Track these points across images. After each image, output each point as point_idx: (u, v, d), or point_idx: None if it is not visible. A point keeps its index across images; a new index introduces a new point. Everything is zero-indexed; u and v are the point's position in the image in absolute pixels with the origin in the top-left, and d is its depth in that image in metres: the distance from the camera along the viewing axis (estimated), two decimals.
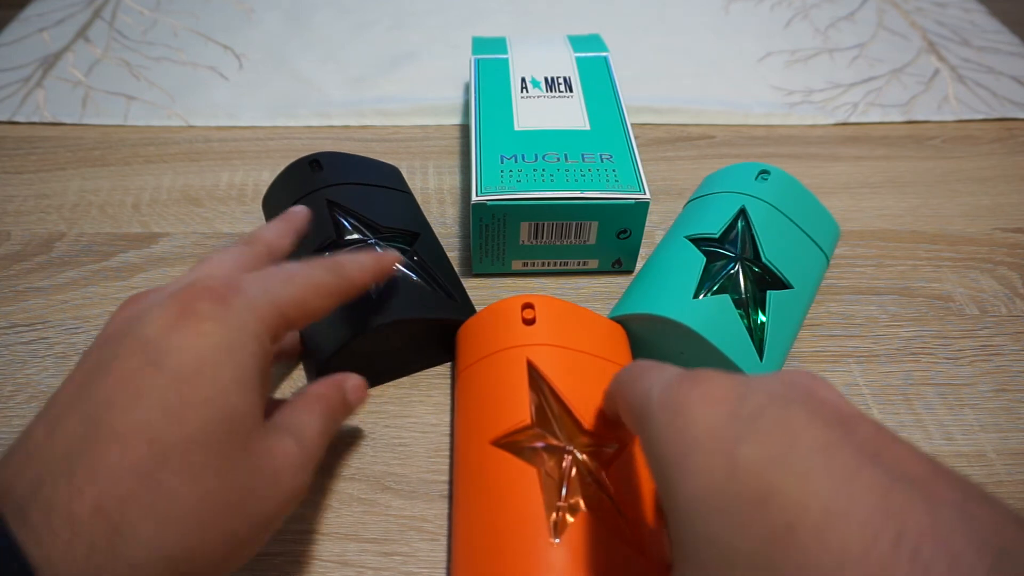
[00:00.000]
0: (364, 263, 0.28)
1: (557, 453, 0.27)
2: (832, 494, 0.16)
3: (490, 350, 0.31)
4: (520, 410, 0.28)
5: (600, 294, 0.39)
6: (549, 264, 0.39)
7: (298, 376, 0.35)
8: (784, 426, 0.18)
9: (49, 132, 0.50)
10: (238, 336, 0.22)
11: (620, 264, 0.39)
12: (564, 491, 0.26)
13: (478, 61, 0.45)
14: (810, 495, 0.16)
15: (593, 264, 0.39)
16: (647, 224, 0.38)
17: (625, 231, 0.37)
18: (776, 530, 0.16)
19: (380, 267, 0.28)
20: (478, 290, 0.39)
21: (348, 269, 0.27)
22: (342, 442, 0.32)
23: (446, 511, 0.30)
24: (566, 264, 0.39)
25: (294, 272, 0.25)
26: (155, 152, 0.49)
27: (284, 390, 0.34)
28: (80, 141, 0.49)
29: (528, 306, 0.32)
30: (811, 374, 0.20)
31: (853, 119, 0.52)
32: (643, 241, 0.38)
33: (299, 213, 0.30)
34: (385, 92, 0.54)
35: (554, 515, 0.25)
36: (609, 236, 0.37)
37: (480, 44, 0.48)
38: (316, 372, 0.32)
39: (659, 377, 0.22)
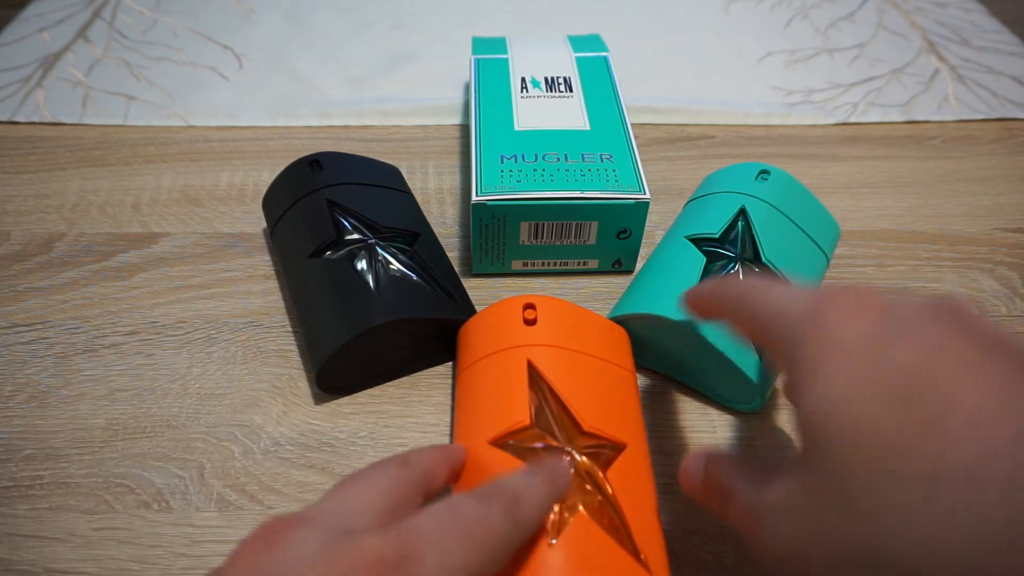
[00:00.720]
0: (542, 500, 0.23)
1: (556, 454, 0.27)
2: (985, 393, 0.17)
3: (491, 350, 0.31)
4: (520, 410, 0.28)
5: (600, 294, 0.39)
6: (549, 264, 0.39)
7: (298, 375, 0.35)
8: (936, 335, 0.18)
9: (49, 132, 0.50)
10: None
11: (620, 264, 0.39)
12: None
13: (478, 61, 0.45)
14: (963, 392, 0.17)
15: (593, 264, 0.39)
16: (647, 224, 0.38)
17: (625, 231, 0.37)
18: (927, 419, 0.17)
19: (555, 497, 0.24)
20: (478, 290, 0.39)
21: (525, 513, 0.22)
22: (342, 442, 0.32)
23: None
24: (566, 264, 0.39)
25: (472, 524, 0.20)
26: (155, 152, 0.49)
27: (285, 390, 0.34)
28: (80, 141, 0.49)
29: (529, 306, 0.32)
30: (961, 299, 0.20)
31: (853, 119, 0.52)
32: (643, 241, 0.38)
33: (456, 450, 0.27)
34: (385, 92, 0.54)
35: (552, 516, 0.25)
36: (609, 236, 0.37)
37: (480, 44, 0.48)
38: (317, 372, 0.32)
39: (791, 292, 0.22)
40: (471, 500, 0.21)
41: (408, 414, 0.34)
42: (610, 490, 0.26)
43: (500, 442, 0.27)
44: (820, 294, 0.21)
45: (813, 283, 0.22)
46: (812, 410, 0.19)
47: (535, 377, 0.29)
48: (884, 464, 0.17)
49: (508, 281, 0.40)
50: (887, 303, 0.20)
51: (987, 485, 0.15)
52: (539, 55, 0.46)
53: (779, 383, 0.33)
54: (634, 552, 0.25)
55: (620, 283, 0.39)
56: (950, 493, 0.16)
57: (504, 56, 0.46)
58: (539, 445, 0.27)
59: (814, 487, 0.19)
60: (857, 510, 0.17)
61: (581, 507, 0.25)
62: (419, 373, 0.35)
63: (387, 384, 0.35)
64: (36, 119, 0.51)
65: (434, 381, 0.35)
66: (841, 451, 0.18)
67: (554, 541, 0.24)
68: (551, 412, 0.28)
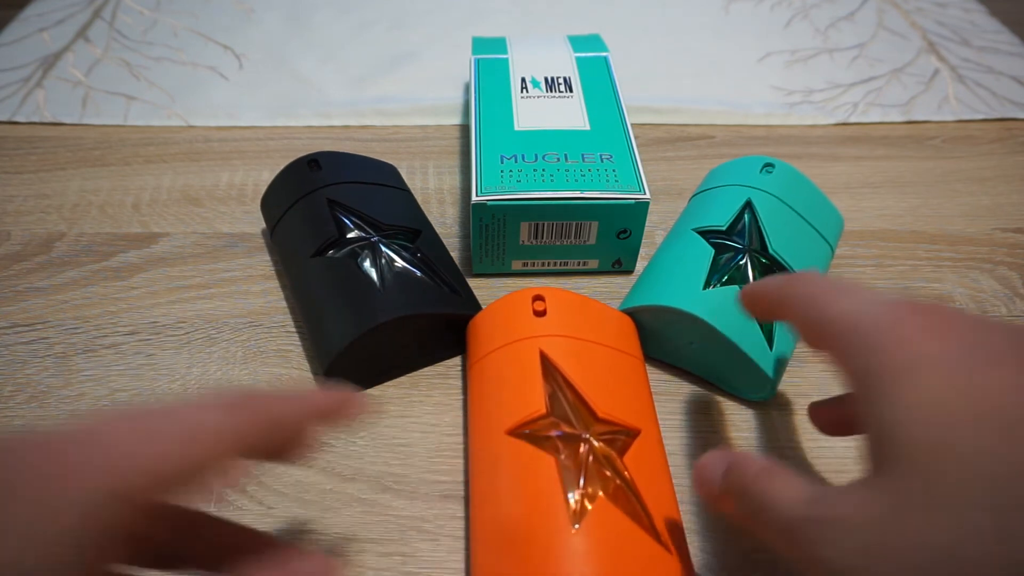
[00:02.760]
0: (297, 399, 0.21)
1: (573, 441, 0.27)
2: None
3: (503, 342, 0.31)
4: (535, 400, 0.28)
5: (600, 294, 0.39)
6: (549, 264, 0.39)
7: (298, 375, 0.35)
8: None
9: (49, 132, 0.50)
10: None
11: (620, 264, 0.39)
12: (582, 479, 0.26)
13: (478, 61, 0.45)
14: None
15: (593, 264, 0.39)
16: (647, 224, 0.38)
17: (625, 231, 0.37)
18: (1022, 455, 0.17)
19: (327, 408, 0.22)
20: (478, 290, 0.38)
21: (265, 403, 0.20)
22: (342, 442, 0.32)
23: (446, 511, 0.30)
24: (566, 264, 0.39)
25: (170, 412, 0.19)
26: (155, 152, 0.49)
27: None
28: (80, 141, 0.49)
29: (538, 298, 0.32)
30: None
31: (853, 119, 0.52)
32: (643, 241, 0.38)
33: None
34: (385, 92, 0.54)
35: (573, 503, 0.25)
36: (609, 236, 0.37)
37: (480, 44, 0.48)
38: (324, 372, 0.32)
39: (863, 299, 0.22)
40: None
41: (408, 414, 0.34)
42: (628, 475, 0.27)
43: (517, 432, 0.28)
44: (894, 307, 0.21)
45: (875, 291, 0.22)
46: (899, 421, 0.19)
47: (548, 367, 0.29)
48: (981, 476, 0.17)
49: (508, 281, 0.40)
50: (973, 324, 0.20)
51: None
52: (539, 55, 0.46)
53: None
54: (654, 534, 0.26)
55: (620, 283, 0.39)
56: None
57: (504, 56, 0.46)
58: (556, 433, 0.27)
59: (897, 497, 0.18)
60: (946, 514, 0.17)
61: (601, 493, 0.26)
62: (419, 372, 0.35)
63: (387, 384, 0.35)
64: (36, 119, 0.51)
65: (434, 381, 0.35)
66: (934, 461, 0.18)
67: (576, 527, 0.25)
68: (566, 400, 0.29)
